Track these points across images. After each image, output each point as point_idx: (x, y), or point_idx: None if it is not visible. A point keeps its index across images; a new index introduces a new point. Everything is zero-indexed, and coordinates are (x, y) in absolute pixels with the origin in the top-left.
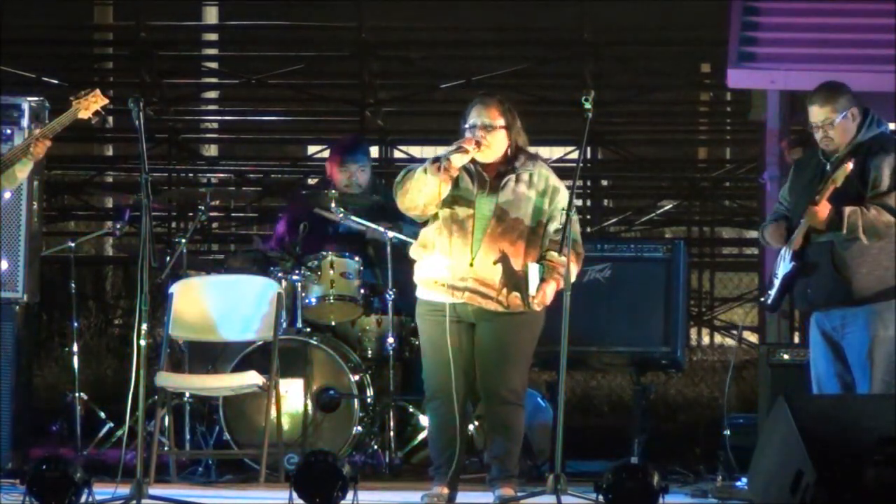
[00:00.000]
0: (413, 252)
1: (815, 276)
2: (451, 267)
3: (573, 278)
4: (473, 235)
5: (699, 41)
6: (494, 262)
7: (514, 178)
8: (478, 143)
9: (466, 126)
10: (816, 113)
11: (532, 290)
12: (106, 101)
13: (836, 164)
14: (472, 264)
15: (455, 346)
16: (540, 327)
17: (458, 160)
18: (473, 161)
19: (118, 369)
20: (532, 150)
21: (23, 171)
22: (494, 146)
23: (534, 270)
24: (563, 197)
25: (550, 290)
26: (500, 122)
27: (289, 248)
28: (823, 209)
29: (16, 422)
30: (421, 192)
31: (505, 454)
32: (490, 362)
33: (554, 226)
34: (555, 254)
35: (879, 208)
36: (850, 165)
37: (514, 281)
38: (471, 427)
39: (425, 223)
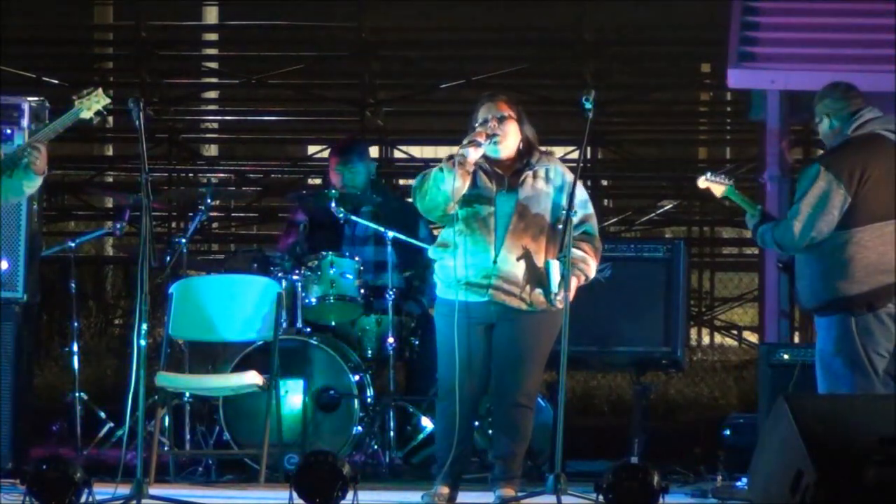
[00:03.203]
0: (433, 253)
1: None
2: (473, 265)
3: (592, 274)
4: (496, 233)
5: (699, 41)
6: (517, 259)
7: (531, 174)
8: (489, 136)
9: (477, 124)
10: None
11: (554, 286)
12: (108, 100)
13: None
14: (495, 262)
15: (472, 348)
16: (558, 327)
17: (473, 154)
18: (488, 160)
19: (118, 369)
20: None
21: (30, 186)
22: (508, 138)
23: (555, 267)
24: (579, 192)
25: (573, 286)
26: (511, 113)
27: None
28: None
29: (16, 422)
30: (439, 190)
31: (510, 455)
32: (506, 364)
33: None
34: (575, 249)
35: (779, 226)
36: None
37: (537, 277)
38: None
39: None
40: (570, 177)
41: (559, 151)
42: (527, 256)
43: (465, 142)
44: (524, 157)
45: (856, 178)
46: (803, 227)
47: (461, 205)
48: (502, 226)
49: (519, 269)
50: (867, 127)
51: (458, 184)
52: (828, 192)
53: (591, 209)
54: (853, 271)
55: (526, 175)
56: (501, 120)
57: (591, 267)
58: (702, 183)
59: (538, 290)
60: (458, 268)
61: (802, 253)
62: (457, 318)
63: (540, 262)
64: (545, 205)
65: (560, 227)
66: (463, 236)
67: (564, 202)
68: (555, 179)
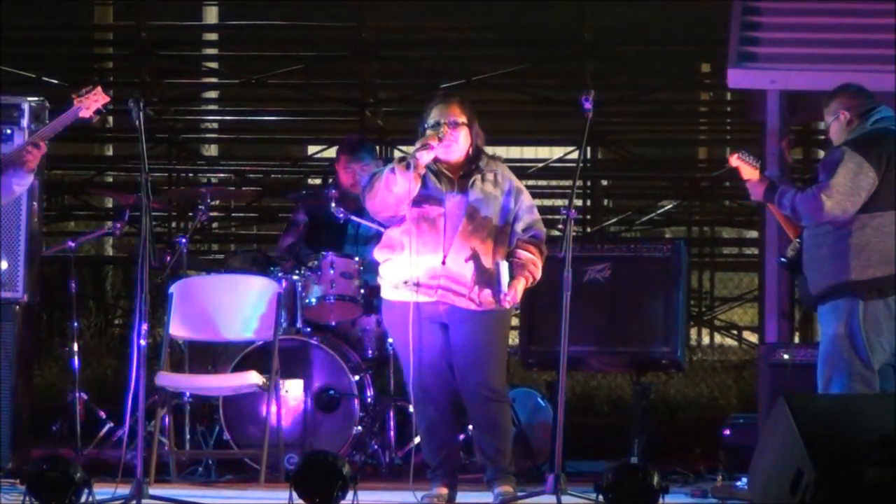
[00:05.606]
0: (377, 254)
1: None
2: (421, 266)
3: (539, 276)
4: (445, 234)
5: (699, 41)
6: (466, 260)
7: (480, 177)
8: (441, 139)
9: (427, 126)
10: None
11: (503, 287)
12: (107, 98)
13: None
14: (444, 262)
15: (431, 347)
16: (509, 323)
17: (425, 157)
18: (437, 161)
19: (118, 369)
20: (490, 150)
21: (20, 185)
22: (460, 142)
23: (503, 268)
24: (526, 197)
25: (520, 287)
26: (463, 119)
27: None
28: (752, 186)
29: (16, 422)
30: (391, 191)
31: (497, 453)
32: (467, 364)
33: (521, 225)
34: (523, 252)
35: (804, 193)
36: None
37: (485, 278)
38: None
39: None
40: (516, 182)
41: (559, 151)
42: (475, 258)
43: (417, 144)
44: (473, 160)
45: (883, 162)
46: (833, 203)
47: (410, 206)
48: (452, 227)
49: (467, 271)
50: (882, 123)
51: (409, 186)
52: (858, 173)
53: (537, 214)
54: (868, 255)
55: (475, 178)
56: (454, 125)
57: (539, 269)
58: (734, 161)
59: (486, 291)
60: (406, 268)
61: (815, 237)
62: (411, 319)
63: (488, 263)
64: (494, 208)
65: (508, 229)
66: (411, 237)
67: (512, 205)
68: (503, 184)
